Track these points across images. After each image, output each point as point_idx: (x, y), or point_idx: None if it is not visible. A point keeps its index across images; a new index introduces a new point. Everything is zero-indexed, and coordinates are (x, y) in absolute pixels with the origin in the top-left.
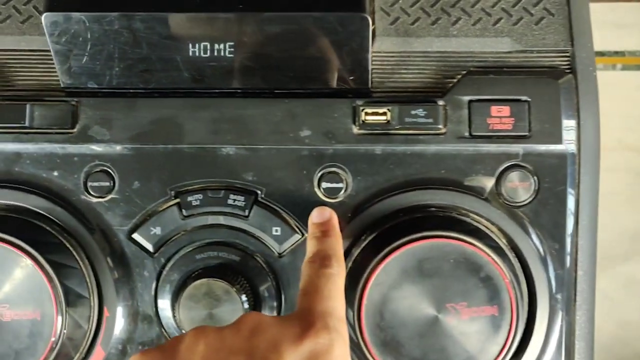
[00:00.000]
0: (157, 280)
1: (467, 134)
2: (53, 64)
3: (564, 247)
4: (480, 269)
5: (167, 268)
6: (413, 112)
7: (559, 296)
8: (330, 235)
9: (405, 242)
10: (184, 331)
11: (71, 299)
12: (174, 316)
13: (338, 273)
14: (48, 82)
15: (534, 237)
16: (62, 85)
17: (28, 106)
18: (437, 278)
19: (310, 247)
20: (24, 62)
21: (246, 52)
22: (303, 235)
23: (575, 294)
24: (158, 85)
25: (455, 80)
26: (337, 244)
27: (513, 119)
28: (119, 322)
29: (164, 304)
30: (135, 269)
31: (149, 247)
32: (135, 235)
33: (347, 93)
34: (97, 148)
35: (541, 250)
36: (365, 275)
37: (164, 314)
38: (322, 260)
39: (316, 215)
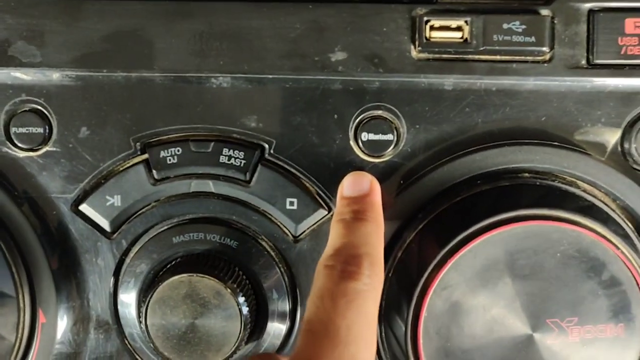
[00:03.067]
0: (117, 272)
1: (584, 61)
2: None
3: None
4: (603, 268)
5: (131, 255)
6: (505, 26)
7: None
8: (366, 218)
9: (488, 225)
10: (152, 346)
11: None
12: (140, 324)
13: (369, 289)
14: None
15: None
16: None
17: None
18: (534, 280)
19: (333, 238)
20: None
21: None
22: (330, 210)
23: None
24: None
25: None
26: (376, 236)
27: None
28: (60, 330)
29: (127, 306)
30: (85, 255)
31: (105, 224)
32: (84, 207)
33: None
34: (23, 75)
35: None
36: (425, 274)
37: (126, 321)
38: (345, 263)
39: (348, 185)
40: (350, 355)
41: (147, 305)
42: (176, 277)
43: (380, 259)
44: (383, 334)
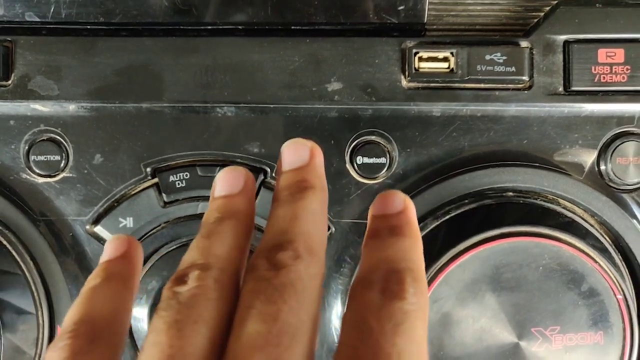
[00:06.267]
0: None
1: (561, 88)
2: None
3: None
4: (582, 279)
5: (142, 273)
6: (488, 57)
7: None
8: (403, 233)
9: (475, 242)
10: None
11: (8, 316)
12: None
13: (416, 309)
14: None
15: None
16: None
17: None
18: (519, 292)
19: (368, 256)
20: None
21: None
22: (328, 229)
23: None
24: (126, 19)
25: (543, 12)
26: (416, 251)
27: (629, 67)
28: None
29: (139, 321)
30: None
31: None
32: (99, 229)
33: (392, 30)
34: (41, 107)
35: None
36: None
37: (139, 334)
38: (386, 280)
39: (380, 203)
40: None
41: None
42: None
43: (424, 275)
44: None
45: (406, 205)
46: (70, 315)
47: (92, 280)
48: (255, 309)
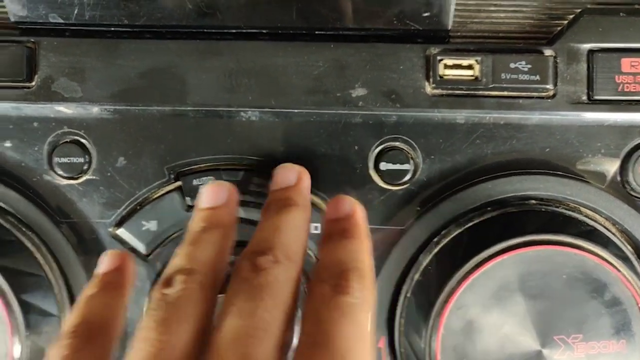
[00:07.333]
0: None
1: (585, 97)
2: None
3: None
4: (605, 288)
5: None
6: (512, 65)
7: None
8: (352, 235)
9: (498, 250)
10: None
11: (33, 318)
12: None
13: (361, 302)
14: None
15: None
16: (12, 20)
17: None
18: (542, 300)
19: (322, 256)
20: None
21: None
22: None
23: None
24: (150, 22)
25: (566, 21)
26: (363, 251)
27: None
28: None
29: None
30: None
31: (141, 247)
32: (121, 231)
33: (417, 37)
34: (65, 109)
35: None
36: (443, 294)
37: None
38: (336, 278)
39: (332, 208)
40: None
41: None
42: None
43: (369, 272)
44: (403, 351)
45: (354, 209)
46: (70, 319)
47: (89, 289)
48: (235, 305)
